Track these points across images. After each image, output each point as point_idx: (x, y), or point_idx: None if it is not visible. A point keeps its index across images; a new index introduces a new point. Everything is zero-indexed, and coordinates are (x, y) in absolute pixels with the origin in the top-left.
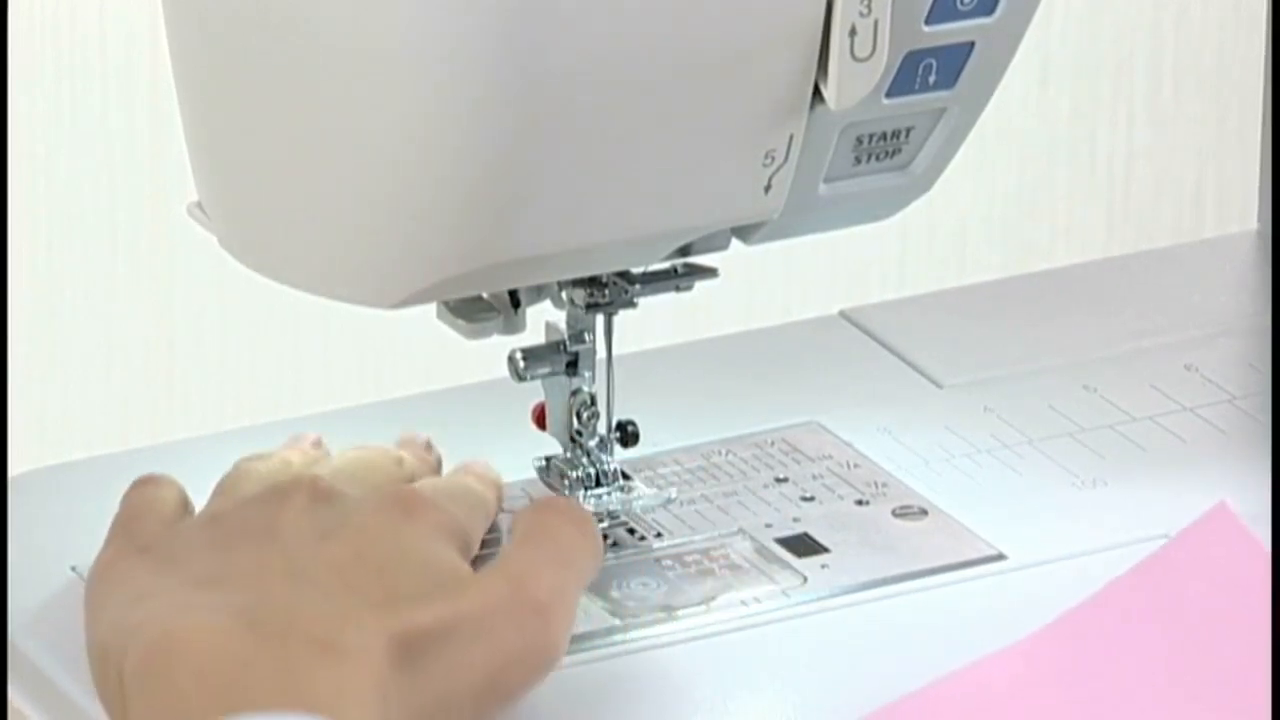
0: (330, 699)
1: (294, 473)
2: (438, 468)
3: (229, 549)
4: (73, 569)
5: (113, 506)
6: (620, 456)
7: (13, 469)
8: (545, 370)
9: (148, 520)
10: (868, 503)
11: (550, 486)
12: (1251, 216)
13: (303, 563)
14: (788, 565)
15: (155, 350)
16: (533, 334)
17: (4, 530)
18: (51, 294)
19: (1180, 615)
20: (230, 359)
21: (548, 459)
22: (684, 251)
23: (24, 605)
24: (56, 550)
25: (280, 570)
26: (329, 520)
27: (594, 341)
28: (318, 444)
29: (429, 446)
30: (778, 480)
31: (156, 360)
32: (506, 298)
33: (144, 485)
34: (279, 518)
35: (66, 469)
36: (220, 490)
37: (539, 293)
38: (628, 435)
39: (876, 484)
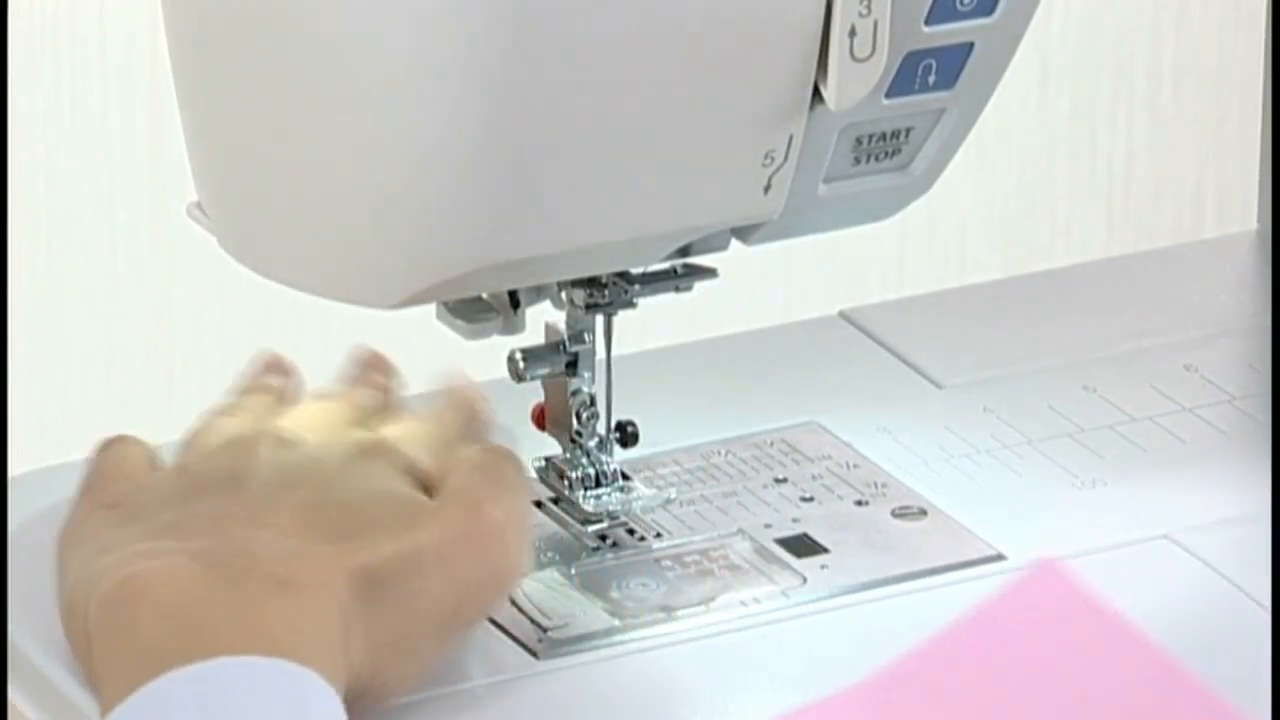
0: (290, 634)
1: (258, 425)
2: (397, 391)
3: (193, 499)
4: None
5: None
6: (620, 456)
7: (13, 469)
8: (545, 370)
9: (114, 479)
10: (867, 503)
11: (550, 486)
12: (1251, 216)
13: (264, 507)
14: (787, 566)
15: (155, 350)
16: (533, 334)
17: (4, 530)
18: (51, 294)
19: (1002, 670)
20: (230, 359)
21: (547, 459)
22: (684, 251)
23: (24, 605)
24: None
25: (241, 516)
26: (290, 468)
27: (594, 342)
28: (282, 370)
29: (386, 369)
30: (777, 481)
31: (156, 360)
32: (506, 298)
33: (111, 445)
34: (242, 467)
35: (66, 469)
36: (187, 444)
37: (539, 293)
38: (627, 436)
39: (876, 484)
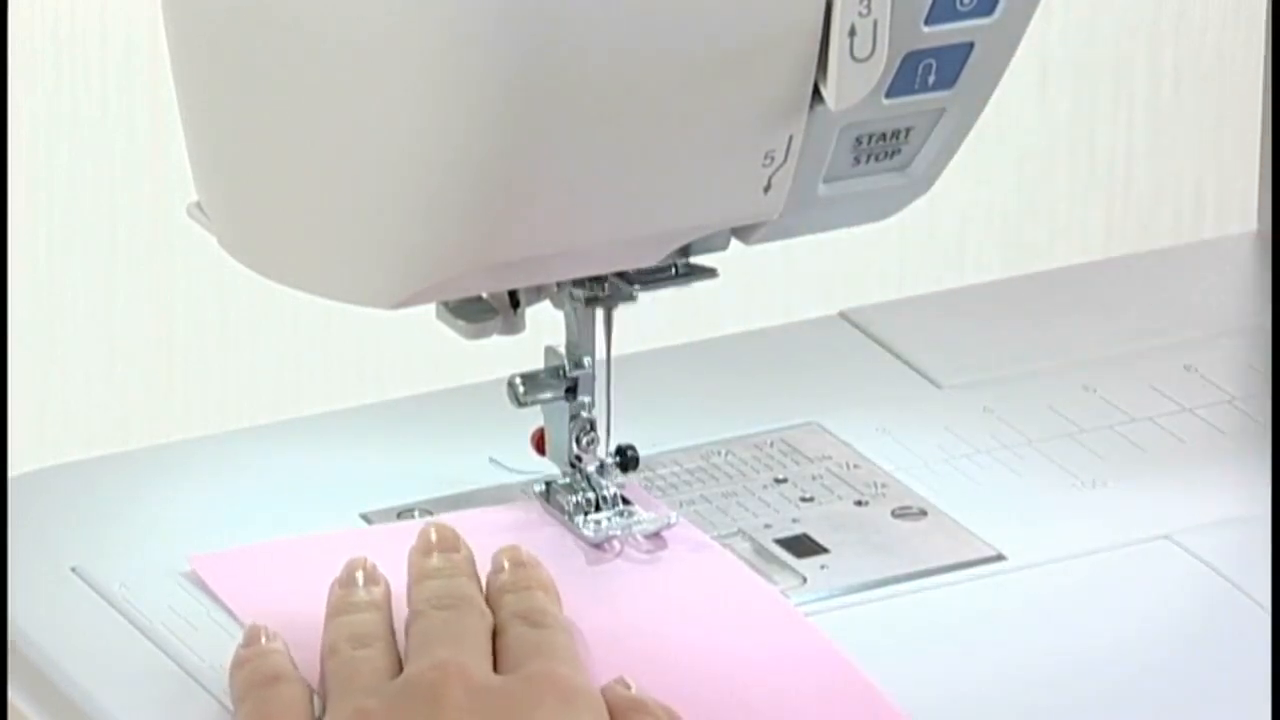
0: None
1: (437, 665)
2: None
3: None
4: (73, 569)
5: (112, 506)
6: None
7: (13, 469)
8: (545, 396)
9: None
10: (867, 503)
11: (550, 512)
12: (1251, 217)
13: None
14: (787, 566)
15: (155, 350)
16: (532, 334)
17: (4, 530)
18: (51, 294)
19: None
20: (230, 359)
21: (548, 483)
22: (684, 251)
23: (24, 605)
24: (56, 550)
25: None
26: (492, 714)
27: (593, 349)
28: (373, 577)
29: (457, 547)
30: (777, 481)
31: (156, 360)
32: (506, 298)
33: (273, 689)
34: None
35: (66, 469)
36: (336, 685)
37: (539, 293)
38: (627, 460)
39: (876, 485)
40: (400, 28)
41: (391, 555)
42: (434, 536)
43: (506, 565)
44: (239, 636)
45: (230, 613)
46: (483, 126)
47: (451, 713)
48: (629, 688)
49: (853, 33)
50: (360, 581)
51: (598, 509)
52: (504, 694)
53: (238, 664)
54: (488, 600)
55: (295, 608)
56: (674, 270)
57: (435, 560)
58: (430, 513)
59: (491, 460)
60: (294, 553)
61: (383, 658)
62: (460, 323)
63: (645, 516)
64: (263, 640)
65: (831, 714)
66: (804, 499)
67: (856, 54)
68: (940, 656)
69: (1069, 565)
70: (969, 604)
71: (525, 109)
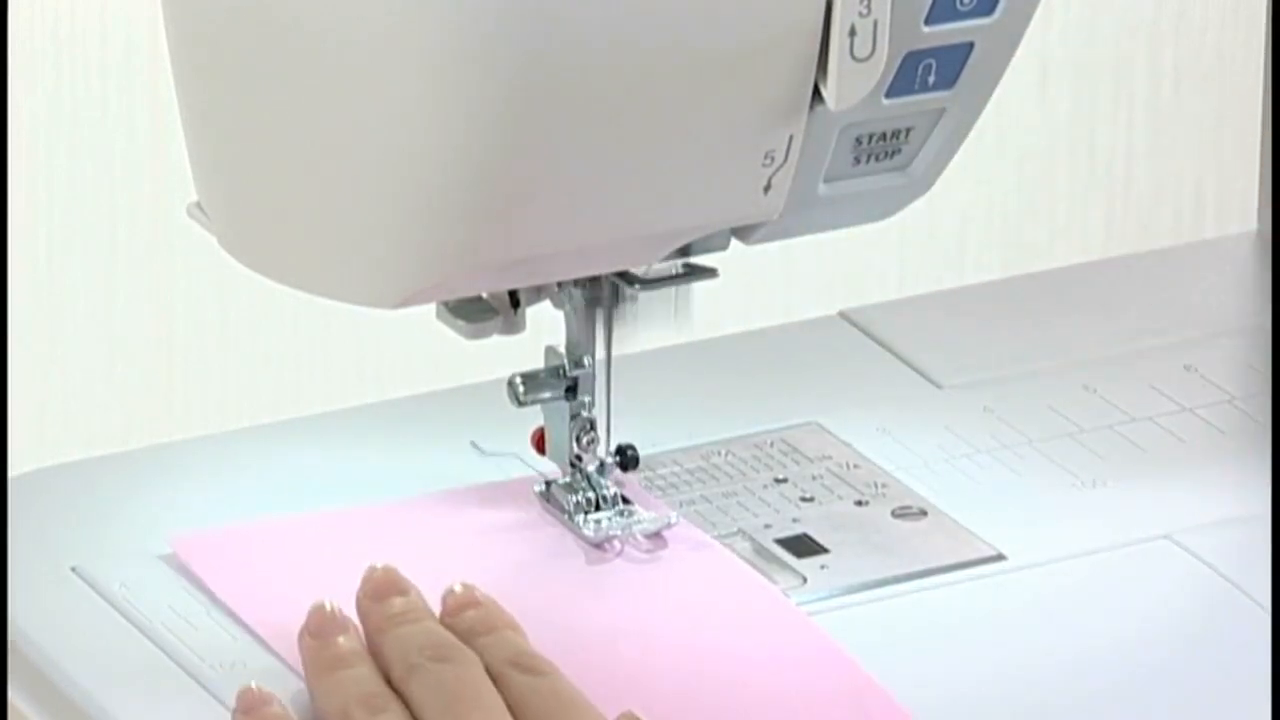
0: None
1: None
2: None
3: None
4: (73, 569)
5: (112, 506)
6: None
7: (13, 469)
8: (545, 395)
9: None
10: (867, 503)
11: (550, 512)
12: (1251, 216)
13: None
14: (787, 566)
15: (155, 350)
16: (532, 334)
17: (4, 530)
18: (51, 294)
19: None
20: (230, 359)
21: (548, 483)
22: (684, 251)
23: (24, 605)
24: (56, 550)
25: None
26: None
27: (593, 350)
28: (344, 623)
29: (407, 589)
30: (777, 481)
31: (156, 360)
32: (506, 298)
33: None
34: None
35: (66, 469)
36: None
37: (539, 293)
38: (627, 459)
39: (876, 484)
40: (400, 28)
41: (368, 538)
42: (386, 581)
43: (466, 601)
44: (234, 632)
45: (212, 595)
46: (483, 126)
47: None
48: None
49: (853, 33)
50: (335, 629)
51: (598, 509)
52: None
53: None
54: None
55: (278, 589)
56: (674, 271)
57: (398, 604)
58: None
59: (472, 444)
60: (275, 533)
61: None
62: (460, 323)
63: (645, 516)
64: (264, 703)
65: (835, 714)
66: (804, 499)
67: (856, 54)
68: (940, 656)
69: (1069, 565)
70: (969, 604)
71: (525, 109)
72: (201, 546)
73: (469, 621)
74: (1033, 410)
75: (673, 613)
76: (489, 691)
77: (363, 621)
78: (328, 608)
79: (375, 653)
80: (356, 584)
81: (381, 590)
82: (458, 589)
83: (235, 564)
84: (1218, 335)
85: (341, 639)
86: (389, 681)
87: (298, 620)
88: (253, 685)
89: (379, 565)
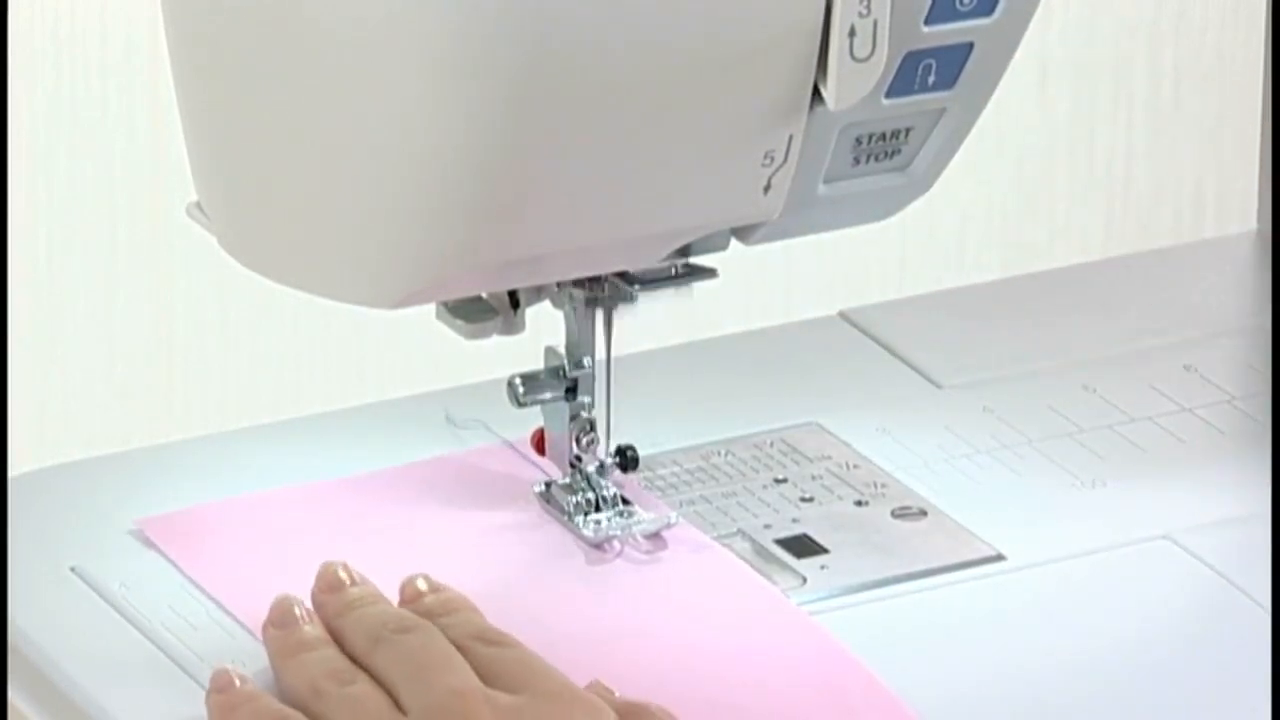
0: None
1: (455, 693)
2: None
3: None
4: (72, 569)
5: (113, 506)
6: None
7: (13, 469)
8: (545, 396)
9: None
10: (867, 503)
11: (549, 512)
12: (1251, 216)
13: None
14: (787, 566)
15: (155, 350)
16: (532, 334)
17: (4, 530)
18: (51, 294)
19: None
20: (230, 359)
21: (548, 484)
22: (684, 251)
23: (24, 605)
24: (56, 550)
25: None
26: None
27: (593, 351)
28: (308, 614)
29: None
30: (777, 481)
31: (156, 360)
32: (506, 298)
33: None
34: None
35: (66, 469)
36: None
37: (539, 293)
38: (627, 460)
39: (876, 485)
40: (400, 28)
41: (332, 512)
42: (341, 574)
43: (424, 589)
44: (231, 629)
45: (182, 571)
46: (483, 126)
47: None
48: (613, 693)
49: (853, 33)
50: (298, 618)
51: (598, 509)
52: (534, 715)
53: (224, 710)
54: None
55: (246, 567)
56: (674, 271)
57: (353, 592)
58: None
59: (446, 419)
60: (240, 511)
61: (374, 691)
62: (460, 323)
63: (645, 516)
64: (236, 684)
65: (837, 713)
66: (804, 499)
67: (856, 54)
68: (940, 656)
69: (1069, 565)
70: (969, 604)
71: (525, 109)
72: (168, 527)
73: (428, 605)
74: (1033, 410)
75: (673, 613)
76: (457, 657)
77: (319, 611)
78: (290, 601)
79: (337, 638)
80: (326, 556)
81: (335, 583)
82: (419, 583)
83: (203, 541)
84: (1218, 335)
85: (306, 627)
86: (354, 661)
87: (267, 594)
88: (229, 666)
89: (332, 562)
